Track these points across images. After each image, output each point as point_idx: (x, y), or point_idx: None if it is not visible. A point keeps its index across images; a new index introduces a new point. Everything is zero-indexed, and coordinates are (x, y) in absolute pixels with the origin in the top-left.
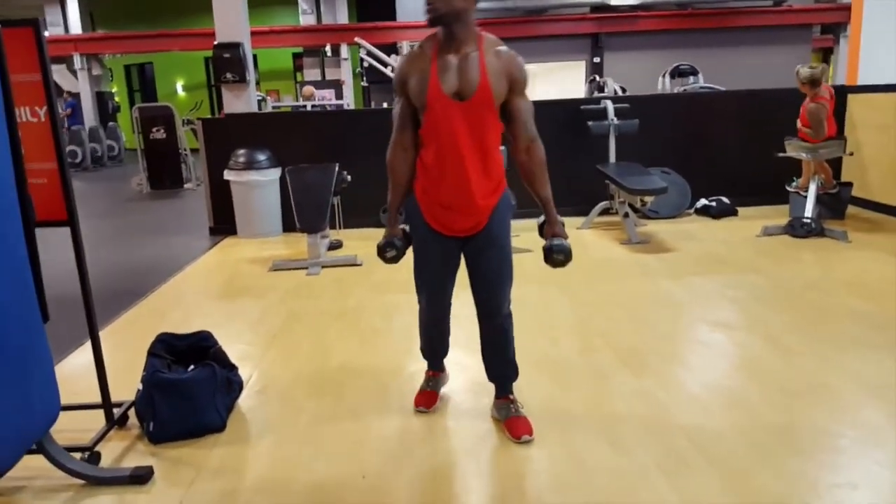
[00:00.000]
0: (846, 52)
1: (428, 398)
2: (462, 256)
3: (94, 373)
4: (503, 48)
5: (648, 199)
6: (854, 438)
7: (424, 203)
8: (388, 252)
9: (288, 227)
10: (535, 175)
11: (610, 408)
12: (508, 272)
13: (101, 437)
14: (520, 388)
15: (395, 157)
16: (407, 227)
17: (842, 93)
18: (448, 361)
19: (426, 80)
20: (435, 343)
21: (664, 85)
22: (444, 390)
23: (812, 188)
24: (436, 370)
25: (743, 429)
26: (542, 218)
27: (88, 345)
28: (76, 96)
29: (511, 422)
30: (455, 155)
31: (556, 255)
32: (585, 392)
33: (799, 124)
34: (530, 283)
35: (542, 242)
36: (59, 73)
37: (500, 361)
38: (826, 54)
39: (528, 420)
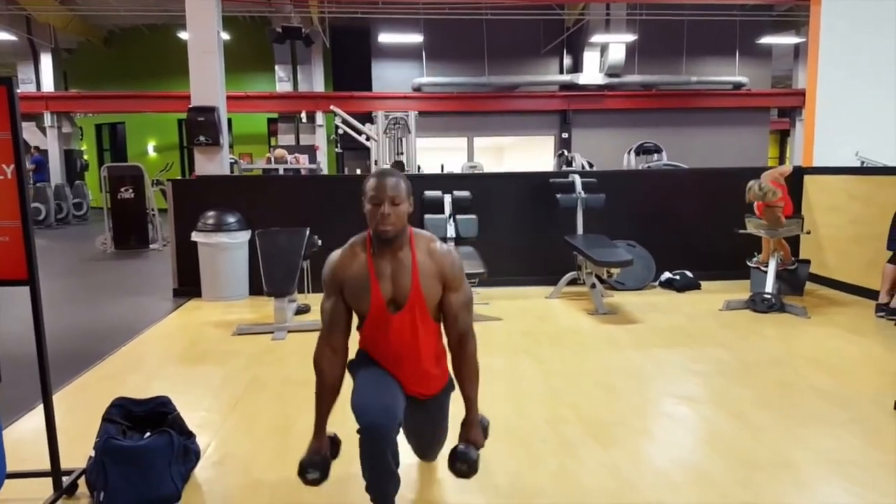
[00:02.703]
0: (802, 134)
1: None
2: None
3: (45, 438)
4: (438, 245)
5: (615, 270)
6: None
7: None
8: (311, 473)
9: (255, 290)
10: (462, 371)
11: (577, 481)
12: (442, 440)
13: None
14: (487, 459)
15: (323, 360)
16: (334, 436)
17: (798, 173)
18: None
19: (366, 288)
20: (385, 487)
21: (629, 161)
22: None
23: (772, 264)
24: None
25: None
26: (464, 417)
27: (41, 408)
28: (44, 153)
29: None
30: (394, 356)
31: (460, 465)
32: (553, 464)
33: (758, 214)
34: (499, 352)
35: (514, 312)
36: (27, 130)
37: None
38: (783, 136)
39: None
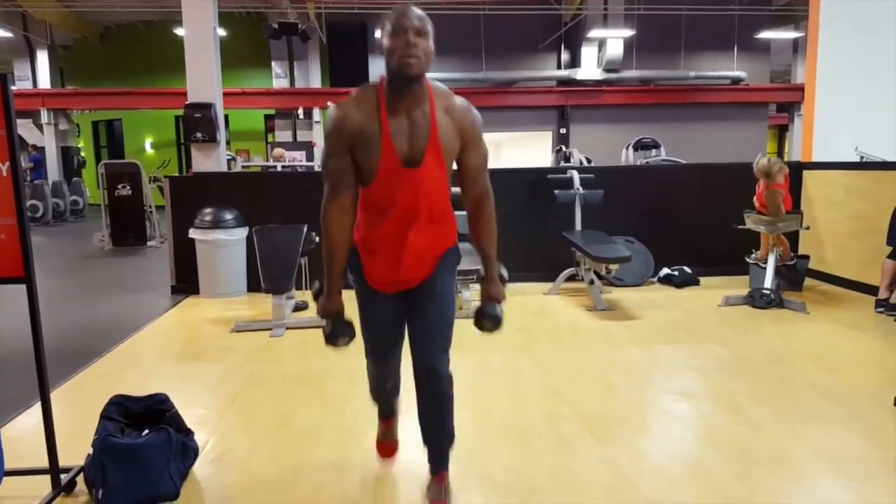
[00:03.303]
0: (801, 129)
1: (390, 448)
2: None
3: (43, 435)
4: (456, 101)
5: (613, 266)
6: None
7: (365, 262)
8: (341, 340)
9: (253, 287)
10: (480, 227)
11: (575, 477)
12: (447, 326)
13: None
14: (484, 455)
15: (333, 220)
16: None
17: (797, 168)
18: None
19: (377, 143)
20: (387, 396)
21: (627, 157)
22: (405, 455)
23: (771, 260)
24: (388, 418)
25: (707, 500)
26: (481, 271)
27: (38, 406)
28: (41, 150)
29: None
30: (401, 220)
31: (486, 322)
32: (550, 460)
33: (757, 204)
34: (497, 349)
35: (512, 308)
36: (24, 127)
37: (436, 429)
38: (782, 131)
39: None
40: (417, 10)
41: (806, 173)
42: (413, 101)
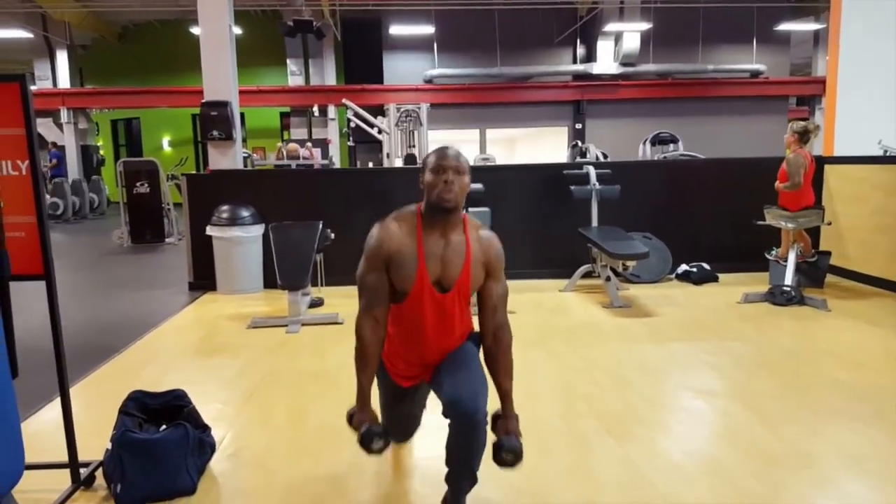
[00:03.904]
0: (822, 123)
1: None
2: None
3: (63, 431)
4: (484, 232)
5: (630, 263)
6: None
7: (389, 363)
8: (376, 444)
9: (269, 283)
10: (498, 363)
11: (592, 475)
12: (483, 379)
13: (66, 499)
14: None
15: (366, 331)
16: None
17: (819, 163)
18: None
19: (413, 266)
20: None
21: (644, 152)
22: (419, 455)
23: (791, 256)
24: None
25: (724, 498)
26: (497, 409)
27: (58, 401)
28: (61, 148)
29: None
30: (423, 336)
31: (506, 455)
32: (567, 458)
33: (777, 184)
34: (513, 345)
35: (528, 305)
36: (45, 126)
37: (460, 467)
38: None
39: None
40: (455, 151)
41: (827, 168)
42: (448, 229)
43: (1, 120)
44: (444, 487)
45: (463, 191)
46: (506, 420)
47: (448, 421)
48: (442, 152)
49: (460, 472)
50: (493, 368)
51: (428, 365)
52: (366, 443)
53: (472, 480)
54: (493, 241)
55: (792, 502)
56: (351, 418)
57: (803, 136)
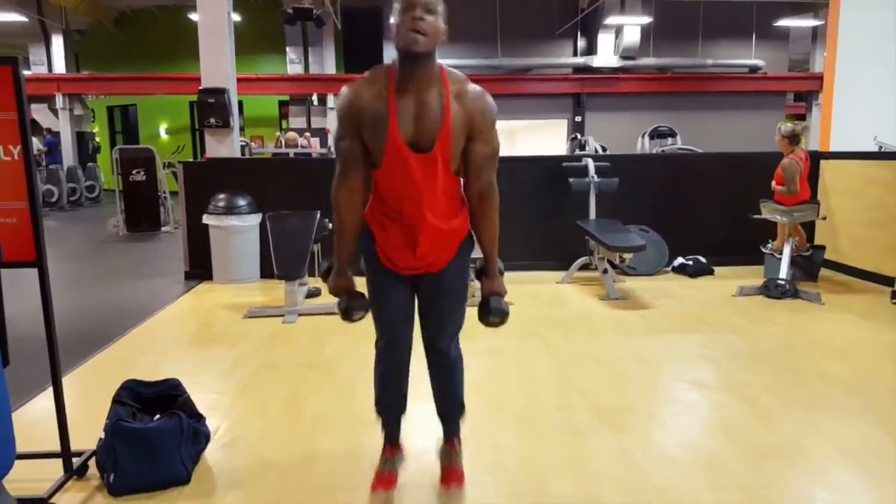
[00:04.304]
0: (818, 118)
1: (387, 480)
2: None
3: (55, 419)
4: (470, 87)
5: (627, 256)
6: (828, 502)
7: (379, 241)
8: (356, 314)
9: (266, 273)
10: (481, 225)
11: (586, 466)
12: (459, 317)
13: (58, 488)
14: (496, 444)
15: (342, 200)
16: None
17: (815, 158)
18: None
19: (384, 125)
20: (394, 392)
21: (643, 145)
22: (414, 444)
23: (787, 250)
24: (393, 444)
25: (719, 490)
26: (479, 262)
27: (51, 390)
28: (56, 135)
29: (445, 470)
30: (411, 201)
31: (493, 318)
32: (562, 449)
33: (773, 184)
34: (509, 337)
35: (525, 297)
36: (40, 112)
37: (445, 397)
38: (799, 120)
39: (462, 472)
40: None
41: (823, 163)
42: (424, 83)
43: None
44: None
45: (435, 33)
46: (490, 280)
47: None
48: None
49: (445, 403)
50: (477, 229)
51: (421, 251)
52: (347, 314)
53: (460, 409)
54: (479, 97)
55: (784, 494)
56: (325, 275)
57: (793, 140)
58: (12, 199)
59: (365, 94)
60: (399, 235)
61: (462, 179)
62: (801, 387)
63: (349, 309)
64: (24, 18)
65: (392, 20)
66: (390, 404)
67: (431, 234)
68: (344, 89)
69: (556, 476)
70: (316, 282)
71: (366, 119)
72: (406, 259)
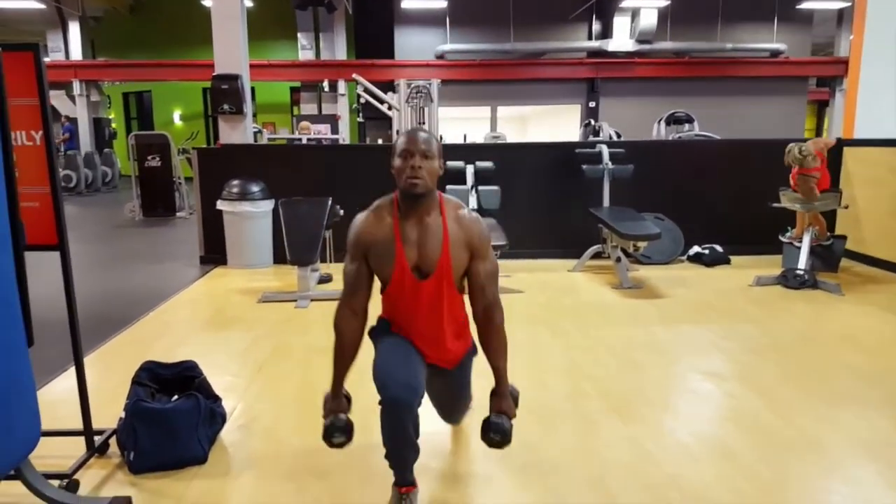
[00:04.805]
0: (842, 104)
1: None
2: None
3: (77, 399)
4: (464, 212)
5: (641, 244)
6: (845, 495)
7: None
8: (336, 437)
9: (278, 258)
10: (490, 343)
11: (597, 455)
12: (468, 403)
13: (81, 465)
14: None
15: (343, 321)
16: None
17: (837, 145)
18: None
19: (391, 254)
20: (405, 450)
21: (659, 131)
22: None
23: (806, 239)
24: (408, 485)
25: (733, 481)
26: (493, 387)
27: (73, 370)
28: (73, 121)
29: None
30: (417, 322)
31: (493, 435)
32: (573, 438)
33: (792, 184)
34: (520, 326)
35: (536, 285)
36: (58, 98)
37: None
38: (821, 106)
39: None
40: (423, 134)
41: (846, 150)
42: (424, 213)
43: (15, 90)
44: (449, 459)
45: (432, 175)
46: (499, 399)
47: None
48: (410, 135)
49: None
50: (486, 348)
51: (431, 359)
52: (327, 435)
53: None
54: (475, 221)
55: (799, 487)
56: (326, 404)
57: (802, 163)
58: (35, 183)
59: (372, 224)
60: (413, 338)
61: (466, 298)
62: (819, 379)
63: (331, 430)
64: (41, 6)
65: (393, 159)
66: (402, 461)
67: (439, 349)
68: (354, 220)
69: (566, 464)
70: (327, 268)
71: (374, 247)
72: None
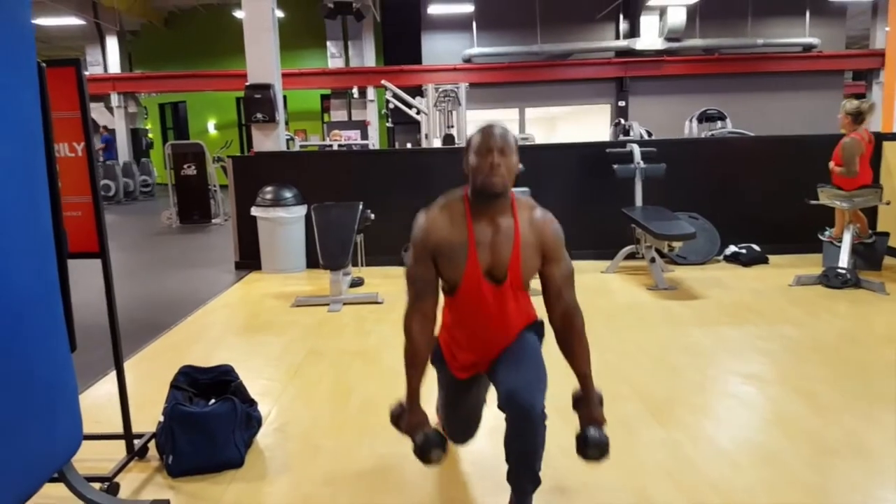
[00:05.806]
0: (879, 98)
1: None
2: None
3: (118, 403)
4: (538, 213)
5: (676, 244)
6: (895, 503)
7: (449, 354)
8: (435, 453)
9: (311, 263)
10: (572, 347)
11: (636, 459)
12: (543, 376)
13: (122, 468)
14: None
15: (415, 328)
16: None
17: (877, 139)
18: None
19: (463, 257)
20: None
21: (691, 129)
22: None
23: (847, 237)
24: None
25: (775, 487)
26: (577, 391)
27: (113, 375)
28: (112, 132)
29: None
30: (482, 327)
31: (591, 450)
32: (611, 442)
33: (832, 165)
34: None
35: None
36: (96, 110)
37: (519, 459)
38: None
39: None
40: (500, 129)
41: (886, 144)
42: (496, 213)
43: (58, 104)
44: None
45: (511, 172)
46: (588, 407)
47: (504, 416)
48: (487, 131)
49: (518, 471)
50: (567, 354)
51: (486, 356)
52: (424, 453)
53: (535, 481)
54: (547, 221)
55: (846, 493)
56: (398, 418)
57: (857, 118)
58: (78, 193)
59: (442, 223)
60: (468, 353)
61: (545, 304)
62: (864, 381)
63: (426, 446)
64: (81, 21)
65: (468, 156)
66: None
67: (500, 348)
68: (420, 218)
69: (603, 467)
70: (359, 272)
71: (442, 249)
72: (474, 365)
